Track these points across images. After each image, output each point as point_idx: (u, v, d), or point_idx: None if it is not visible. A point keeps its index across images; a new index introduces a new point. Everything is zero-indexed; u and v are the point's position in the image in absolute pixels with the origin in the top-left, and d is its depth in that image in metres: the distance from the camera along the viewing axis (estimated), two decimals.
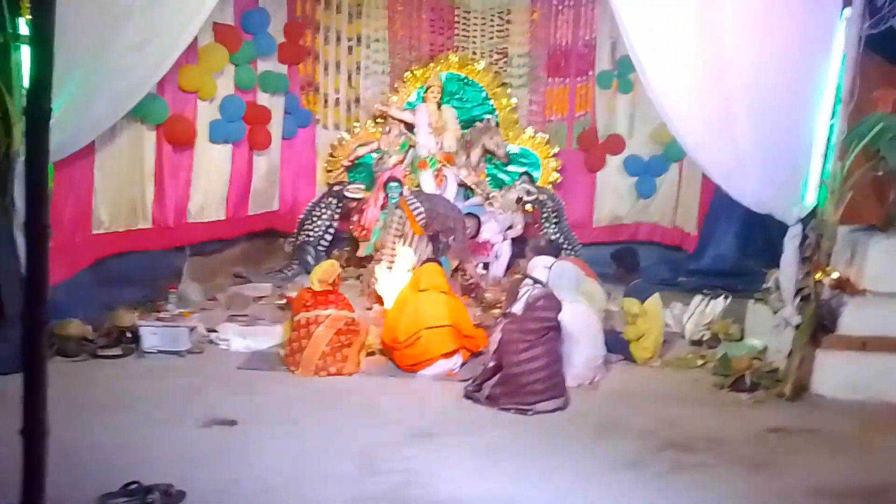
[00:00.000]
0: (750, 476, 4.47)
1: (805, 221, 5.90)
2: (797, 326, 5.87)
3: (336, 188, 9.38)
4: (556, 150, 10.00)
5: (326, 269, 6.34)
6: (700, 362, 6.55)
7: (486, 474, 4.35)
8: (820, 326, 5.85)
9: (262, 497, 3.98)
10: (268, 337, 6.63)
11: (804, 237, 5.88)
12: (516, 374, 5.32)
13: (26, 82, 5.20)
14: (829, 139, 5.74)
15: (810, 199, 5.87)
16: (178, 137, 7.59)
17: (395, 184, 9.18)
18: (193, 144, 7.96)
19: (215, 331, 6.71)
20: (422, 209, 7.82)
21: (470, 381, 5.65)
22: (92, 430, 4.66)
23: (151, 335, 6.26)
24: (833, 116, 5.70)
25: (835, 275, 5.81)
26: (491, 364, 5.54)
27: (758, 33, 5.56)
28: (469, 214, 8.79)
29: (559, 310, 5.51)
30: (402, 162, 9.68)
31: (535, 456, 4.64)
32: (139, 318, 6.45)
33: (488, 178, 9.84)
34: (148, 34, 6.16)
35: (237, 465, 4.32)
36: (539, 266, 6.43)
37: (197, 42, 7.48)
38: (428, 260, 7.05)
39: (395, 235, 7.79)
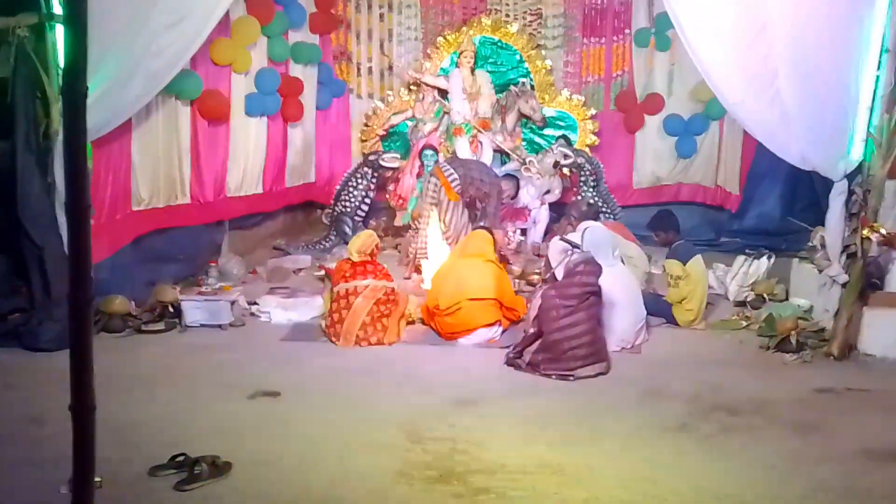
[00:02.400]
0: (799, 438, 4.45)
1: (851, 177, 5.79)
2: (844, 285, 5.80)
3: (371, 158, 9.39)
4: (594, 112, 9.88)
5: (364, 240, 6.36)
6: (744, 324, 6.53)
7: (533, 440, 4.38)
8: (868, 284, 5.78)
9: (308, 467, 4.04)
10: (308, 308, 6.69)
11: (850, 193, 5.78)
12: (558, 340, 5.32)
13: (62, 62, 5.29)
14: (875, 91, 5.60)
15: (856, 154, 5.76)
16: (212, 112, 7.63)
17: (430, 152, 9.17)
18: (229, 119, 8.00)
19: (256, 303, 6.78)
20: (456, 175, 7.79)
21: (511, 348, 5.67)
22: (139, 404, 4.76)
23: (194, 309, 6.35)
24: (879, 67, 5.56)
25: (882, 231, 5.70)
26: (532, 330, 5.54)
27: None
28: (507, 176, 8.75)
29: (600, 274, 5.49)
30: (436, 129, 9.65)
31: (581, 421, 4.65)
32: (181, 292, 6.53)
33: (524, 143, 9.77)
34: (182, 11, 6.18)
35: (283, 437, 4.39)
36: (578, 230, 6.41)
37: (229, 15, 7.49)
38: (478, 227, 7.05)
39: (430, 203, 7.78)
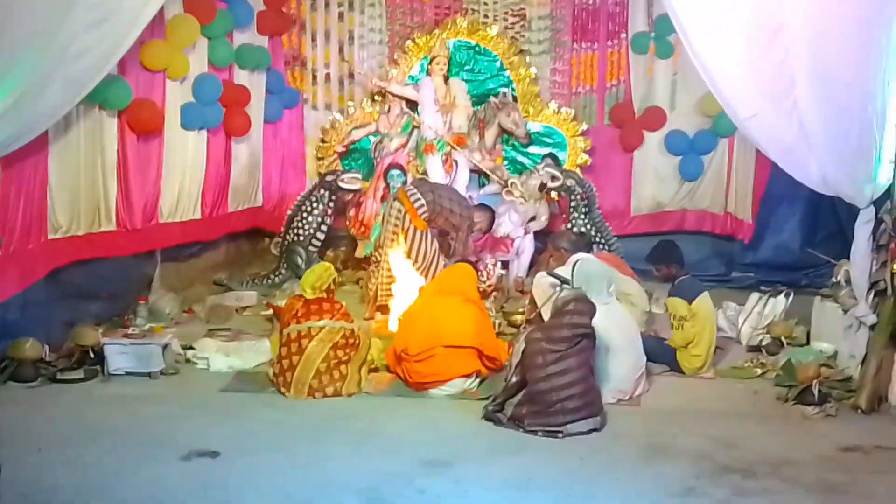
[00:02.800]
0: (823, 503, 4.45)
1: (878, 203, 5.87)
2: (872, 327, 5.85)
3: (328, 178, 9.38)
4: (585, 127, 9.97)
5: (319, 274, 6.34)
6: (759, 371, 6.57)
7: None
8: None
9: None
10: (253, 354, 6.65)
11: (878, 222, 5.86)
12: (544, 391, 5.31)
13: None
14: None
15: (884, 178, 5.84)
16: (143, 124, 7.60)
17: (397, 172, 9.19)
18: (162, 132, 7.96)
19: (192, 348, 6.73)
20: (423, 201, 7.81)
21: (490, 400, 5.66)
22: (53, 466, 4.68)
23: (119, 355, 6.28)
24: None
25: None
26: (514, 380, 5.53)
27: None
28: (482, 206, 8.78)
29: (593, 314, 5.50)
30: (404, 146, 9.68)
31: (571, 485, 4.64)
32: (104, 335, 6.46)
33: (506, 163, 9.83)
34: (107, 8, 6.17)
35: None
36: (567, 264, 6.44)
37: (164, 13, 7.48)
38: (458, 260, 7.07)
39: (393, 232, 7.78)
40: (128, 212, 7.63)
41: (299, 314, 6.12)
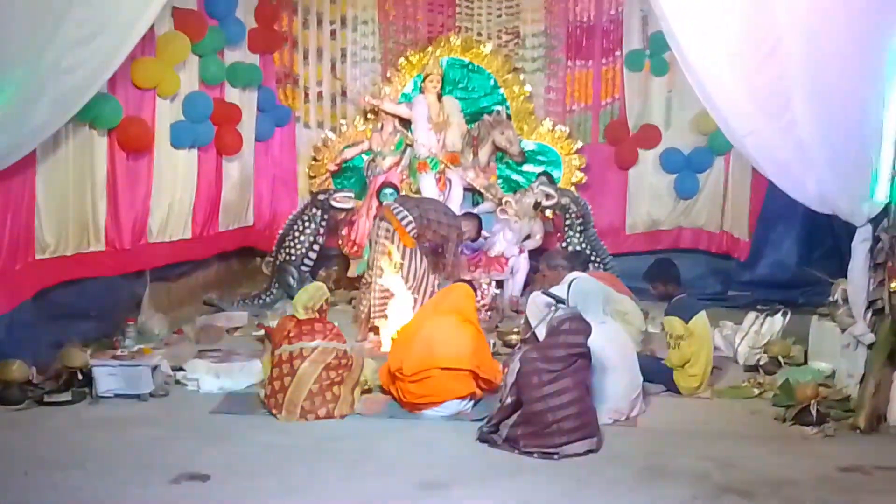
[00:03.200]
0: None
1: (876, 221, 5.88)
2: (870, 346, 5.85)
3: (321, 197, 9.39)
4: (580, 145, 10.01)
5: (312, 294, 6.33)
6: (757, 391, 6.55)
7: None
8: None
9: None
10: (244, 375, 6.62)
11: (876, 240, 5.87)
12: (540, 412, 5.30)
13: None
14: None
15: (882, 195, 5.85)
16: (133, 143, 7.61)
17: (390, 190, 9.21)
18: (152, 150, 7.97)
19: (182, 369, 6.70)
20: (410, 217, 7.81)
21: (485, 421, 5.63)
22: (40, 490, 4.65)
23: (107, 376, 6.24)
24: None
25: None
26: (509, 400, 5.51)
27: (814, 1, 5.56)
28: (468, 215, 8.78)
29: (589, 333, 5.50)
30: (397, 164, 9.72)
31: None
32: (92, 356, 6.42)
33: (500, 181, 9.85)
34: (96, 25, 6.17)
35: None
36: (563, 283, 6.44)
37: (154, 31, 7.50)
38: (459, 280, 7.07)
39: (383, 252, 7.77)
40: (117, 231, 7.63)
41: (291, 335, 6.10)
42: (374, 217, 8.78)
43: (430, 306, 6.70)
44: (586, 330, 5.50)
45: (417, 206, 8.11)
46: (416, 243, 7.83)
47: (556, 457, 5.23)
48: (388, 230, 7.81)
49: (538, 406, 5.30)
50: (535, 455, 5.25)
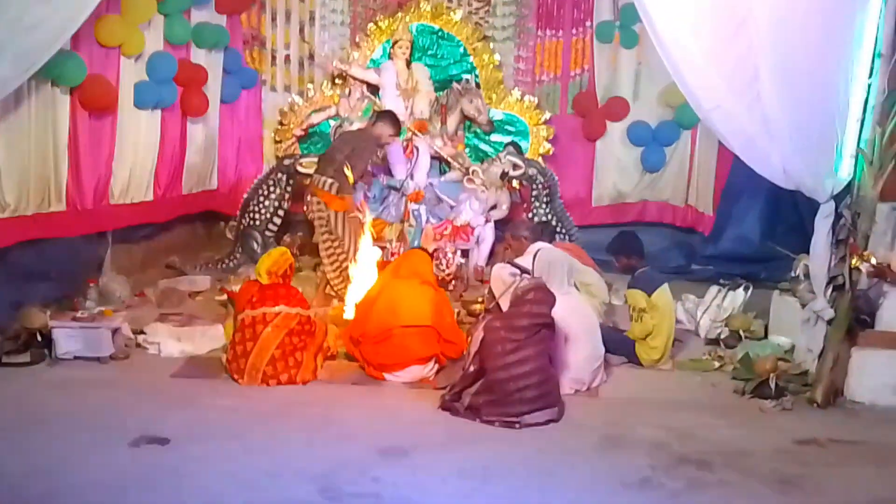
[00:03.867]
0: (778, 495, 4.53)
1: (839, 198, 5.95)
2: (830, 321, 5.94)
3: (286, 162, 9.36)
4: (548, 115, 10.02)
5: (276, 259, 6.32)
6: (717, 364, 6.64)
7: (471, 498, 4.37)
8: (856, 321, 5.93)
9: None
10: (206, 339, 6.64)
11: (838, 216, 5.94)
12: (502, 380, 5.34)
13: None
14: (866, 100, 5.78)
15: (845, 172, 5.92)
16: (97, 102, 7.51)
17: None
18: (116, 110, 7.88)
19: (143, 332, 6.70)
20: (326, 178, 7.86)
21: (448, 389, 5.67)
22: None
23: (67, 338, 6.22)
24: (871, 74, 5.74)
25: (873, 260, 5.86)
26: (472, 369, 5.55)
27: None
28: (381, 114, 8.64)
29: (553, 304, 5.54)
30: None
31: (528, 476, 4.66)
32: (52, 318, 6.38)
33: (468, 150, 9.84)
34: None
35: (173, 492, 4.31)
36: (527, 253, 6.48)
37: None
38: (414, 248, 7.12)
39: (323, 232, 7.83)
40: (78, 192, 7.54)
41: (254, 299, 6.09)
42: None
43: (390, 272, 6.72)
44: (550, 300, 5.54)
45: (330, 157, 8.10)
46: (345, 205, 7.87)
47: (517, 426, 5.28)
48: (318, 204, 7.84)
49: (501, 375, 5.34)
50: (497, 424, 5.30)
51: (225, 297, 7.59)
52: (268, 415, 5.41)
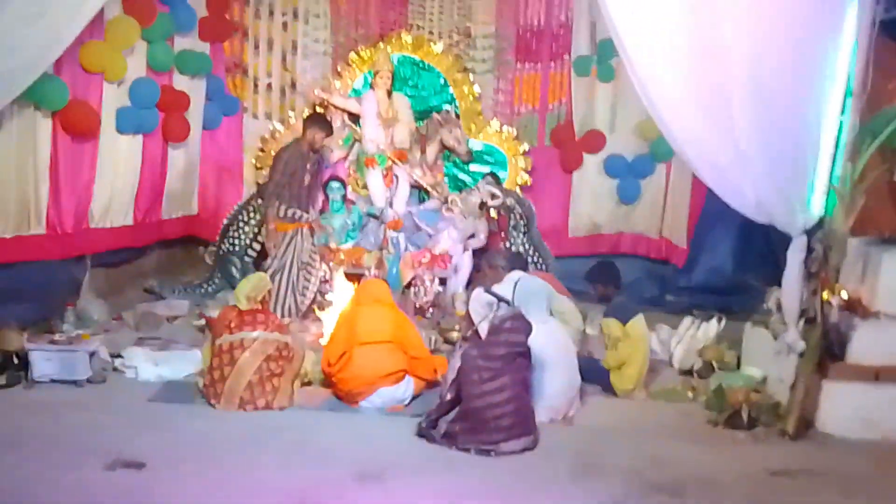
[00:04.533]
0: None
1: (811, 232, 6.00)
2: (801, 353, 5.97)
3: None
4: (526, 147, 10.07)
5: (255, 284, 6.31)
6: (690, 394, 6.65)
7: None
8: (827, 353, 5.95)
9: None
10: (183, 363, 6.60)
11: (810, 250, 5.98)
12: (478, 408, 5.34)
13: None
14: (838, 137, 5.86)
15: (817, 207, 5.98)
16: (78, 126, 7.50)
17: (337, 184, 9.17)
18: (97, 135, 7.87)
19: (121, 356, 6.65)
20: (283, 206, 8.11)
21: (424, 417, 5.66)
22: None
23: (44, 361, 6.18)
24: (843, 111, 5.82)
25: (844, 294, 5.91)
26: (448, 396, 5.55)
27: (758, 13, 5.64)
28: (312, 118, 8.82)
29: (529, 332, 5.54)
30: (345, 158, 9.68)
31: (503, 502, 4.66)
32: (29, 340, 6.35)
33: (446, 179, 9.87)
34: (43, 4, 6.09)
35: None
36: (505, 282, 6.49)
37: (104, 14, 7.40)
38: (372, 277, 7.14)
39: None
40: (58, 215, 7.53)
41: (232, 325, 6.07)
42: (323, 210, 8.99)
43: (352, 303, 6.70)
44: (527, 329, 5.54)
45: (281, 158, 8.40)
46: (287, 225, 8.19)
47: (492, 454, 5.27)
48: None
49: (477, 403, 5.34)
50: (473, 451, 5.29)
51: (203, 321, 7.55)
52: (244, 439, 5.38)
